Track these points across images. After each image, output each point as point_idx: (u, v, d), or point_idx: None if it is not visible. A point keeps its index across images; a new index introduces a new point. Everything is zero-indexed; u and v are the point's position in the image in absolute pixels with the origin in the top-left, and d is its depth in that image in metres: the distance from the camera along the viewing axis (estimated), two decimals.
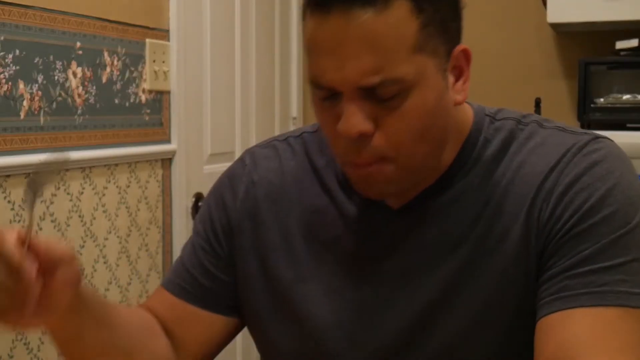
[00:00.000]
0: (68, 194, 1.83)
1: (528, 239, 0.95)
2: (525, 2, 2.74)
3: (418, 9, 0.88)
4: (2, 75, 1.63)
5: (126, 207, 2.06)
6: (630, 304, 0.89)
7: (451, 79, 0.94)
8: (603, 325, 0.88)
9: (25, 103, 1.69)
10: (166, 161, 2.23)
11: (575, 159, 0.95)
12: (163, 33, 2.20)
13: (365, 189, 0.96)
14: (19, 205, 1.68)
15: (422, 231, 0.99)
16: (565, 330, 0.89)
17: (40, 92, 1.74)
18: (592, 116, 2.41)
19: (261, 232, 1.07)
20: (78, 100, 1.87)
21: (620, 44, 2.43)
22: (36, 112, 1.73)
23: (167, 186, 2.24)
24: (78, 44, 1.86)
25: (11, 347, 1.67)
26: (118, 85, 2.02)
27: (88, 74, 1.90)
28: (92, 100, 1.92)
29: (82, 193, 1.88)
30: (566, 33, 2.71)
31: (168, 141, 2.24)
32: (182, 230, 2.28)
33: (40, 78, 1.74)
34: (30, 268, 0.82)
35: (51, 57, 1.77)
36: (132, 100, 2.08)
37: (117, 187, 2.02)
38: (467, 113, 1.02)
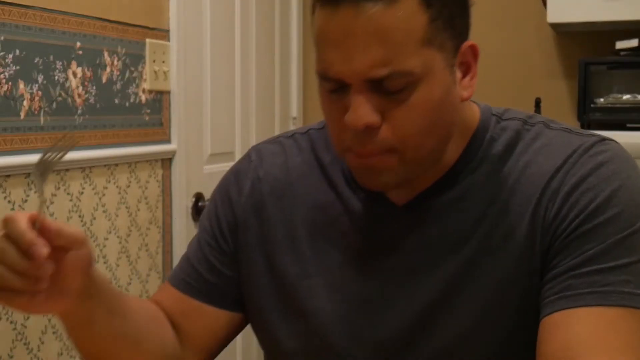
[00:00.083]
0: (68, 194, 1.83)
1: (533, 238, 0.95)
2: (525, 2, 2.74)
3: (427, 3, 0.88)
4: (2, 75, 1.63)
5: (126, 207, 2.06)
6: (634, 305, 0.90)
7: (458, 74, 0.94)
8: (606, 325, 0.89)
9: (25, 103, 1.69)
10: (166, 161, 2.23)
11: (582, 160, 0.96)
12: (163, 33, 2.20)
13: (367, 179, 0.96)
14: (19, 206, 1.68)
15: (426, 229, 0.99)
16: (569, 329, 0.89)
17: (40, 92, 1.74)
18: (592, 116, 2.41)
19: (266, 227, 1.07)
20: (78, 100, 1.87)
21: (620, 44, 2.43)
22: (36, 112, 1.73)
23: (167, 186, 2.24)
24: (78, 44, 1.86)
25: (11, 347, 1.67)
26: (118, 85, 2.02)
27: (88, 74, 1.90)
28: (92, 100, 1.92)
29: (82, 193, 1.88)
30: (566, 33, 2.71)
31: (168, 141, 2.24)
32: (182, 230, 2.28)
33: (40, 78, 1.74)
34: (42, 250, 0.83)
35: (51, 57, 1.77)
36: (132, 100, 2.08)
37: (117, 187, 2.02)
38: (474, 112, 1.03)
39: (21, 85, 1.68)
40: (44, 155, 0.88)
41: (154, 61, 2.15)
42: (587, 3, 2.39)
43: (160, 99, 2.20)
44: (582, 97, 2.43)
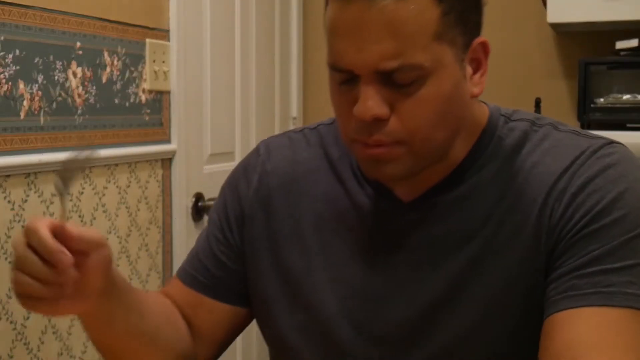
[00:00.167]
0: (68, 193, 1.83)
1: (539, 238, 0.95)
2: (525, 2, 2.74)
3: None
4: (2, 75, 1.63)
5: (126, 207, 2.06)
6: (637, 306, 0.90)
7: (469, 70, 0.95)
8: (609, 325, 0.89)
9: (25, 103, 1.69)
10: (166, 161, 2.23)
11: (589, 162, 0.96)
12: (163, 33, 2.20)
13: (374, 170, 0.96)
14: (19, 206, 1.68)
15: (431, 226, 1.00)
16: (572, 328, 0.89)
17: (40, 92, 1.74)
18: (592, 116, 2.41)
19: (273, 221, 1.08)
20: (78, 100, 1.87)
21: (620, 44, 2.43)
22: (36, 112, 1.73)
23: (167, 186, 2.24)
24: (78, 44, 1.86)
25: (11, 347, 1.67)
26: (118, 85, 2.02)
27: (88, 74, 1.90)
28: (92, 100, 1.92)
29: (82, 193, 1.88)
30: (566, 33, 2.71)
31: (168, 141, 2.24)
32: (182, 230, 2.28)
33: (40, 78, 1.74)
34: (65, 258, 0.83)
35: (51, 57, 1.77)
36: (132, 100, 2.08)
37: (117, 187, 2.02)
38: (483, 111, 1.03)
39: (21, 85, 1.68)
40: (67, 163, 0.88)
41: (154, 61, 2.15)
42: (587, 3, 2.39)
43: (160, 99, 2.20)
44: (582, 97, 2.43)
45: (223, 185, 1.16)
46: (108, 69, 1.97)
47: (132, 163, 2.08)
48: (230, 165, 2.54)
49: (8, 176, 1.65)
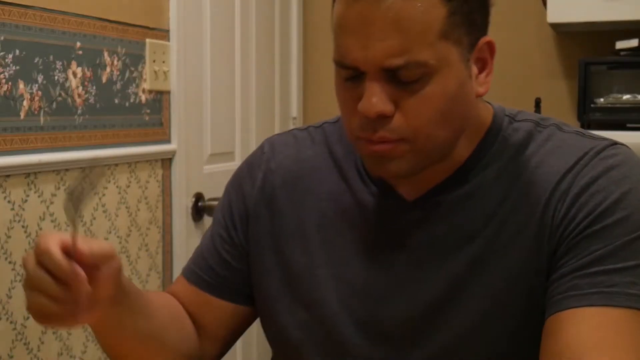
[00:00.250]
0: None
1: (541, 238, 0.95)
2: (525, 2, 2.74)
3: None
4: (2, 75, 1.63)
5: (126, 207, 2.06)
6: (639, 307, 0.90)
7: (474, 70, 0.95)
8: (610, 325, 0.89)
9: (25, 103, 1.69)
10: (166, 161, 2.23)
11: (593, 162, 0.96)
12: (163, 33, 2.20)
13: (378, 167, 0.96)
14: (19, 206, 1.68)
15: (434, 225, 1.00)
16: (573, 328, 0.89)
17: (40, 92, 1.74)
18: (592, 116, 2.41)
19: (277, 219, 1.09)
20: (78, 100, 1.87)
21: (620, 44, 2.43)
22: (36, 112, 1.73)
23: (167, 186, 2.24)
24: (78, 44, 1.86)
25: (11, 347, 1.67)
26: (118, 85, 2.02)
27: (88, 74, 1.90)
28: (92, 100, 1.92)
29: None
30: (566, 33, 2.71)
31: (168, 141, 2.24)
32: (182, 230, 2.28)
33: (40, 78, 1.74)
34: (79, 277, 0.85)
35: (51, 57, 1.77)
36: (132, 100, 2.08)
37: (117, 187, 2.02)
38: (488, 111, 1.04)
39: (21, 85, 1.68)
40: (76, 186, 0.89)
41: (154, 61, 2.15)
42: (587, 3, 2.39)
43: (160, 99, 2.20)
44: (582, 97, 2.43)
45: (228, 184, 1.17)
46: (108, 69, 1.97)
47: (132, 163, 2.08)
48: (230, 165, 2.55)
49: (8, 176, 1.65)
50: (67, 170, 1.82)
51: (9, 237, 1.65)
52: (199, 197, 2.35)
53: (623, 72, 2.48)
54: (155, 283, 2.19)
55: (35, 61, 1.72)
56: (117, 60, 2.01)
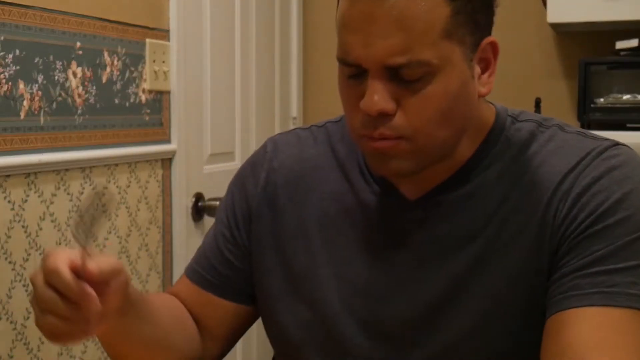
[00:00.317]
0: (68, 194, 1.83)
1: (542, 238, 0.96)
2: (525, 2, 2.74)
3: None
4: (2, 75, 1.63)
5: (126, 207, 2.06)
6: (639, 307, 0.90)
7: (477, 70, 0.95)
8: (611, 325, 0.89)
9: (25, 103, 1.69)
10: (166, 161, 2.23)
11: (595, 163, 0.96)
12: (163, 33, 2.20)
13: (379, 165, 0.97)
14: (19, 206, 1.68)
15: (435, 224, 1.00)
16: (574, 328, 0.89)
17: (40, 92, 1.74)
18: (592, 116, 2.41)
19: (279, 218, 1.09)
20: (78, 100, 1.87)
21: (620, 44, 2.43)
22: (36, 112, 1.73)
23: (167, 186, 2.24)
24: (78, 44, 1.86)
25: (11, 347, 1.67)
26: (118, 85, 2.02)
27: (88, 74, 1.90)
28: (92, 100, 1.92)
29: (82, 193, 1.88)
30: (566, 33, 2.71)
31: (168, 141, 2.24)
32: (182, 230, 2.28)
33: (40, 78, 1.74)
34: (90, 297, 0.84)
35: (51, 57, 1.77)
36: (132, 100, 2.08)
37: (117, 187, 2.02)
38: (490, 111, 1.04)
39: (21, 85, 1.68)
40: (85, 211, 0.88)
41: (154, 61, 2.15)
42: (587, 3, 2.39)
43: (160, 99, 2.20)
44: (582, 97, 2.43)
45: (230, 183, 1.17)
46: (108, 69, 1.97)
47: (132, 163, 2.08)
48: (230, 165, 2.55)
49: (8, 176, 1.65)
50: (67, 170, 1.82)
51: (9, 237, 1.65)
52: (199, 197, 2.35)
53: (623, 72, 2.48)
54: (155, 283, 2.19)
55: (35, 61, 1.72)
56: (117, 60, 2.01)
